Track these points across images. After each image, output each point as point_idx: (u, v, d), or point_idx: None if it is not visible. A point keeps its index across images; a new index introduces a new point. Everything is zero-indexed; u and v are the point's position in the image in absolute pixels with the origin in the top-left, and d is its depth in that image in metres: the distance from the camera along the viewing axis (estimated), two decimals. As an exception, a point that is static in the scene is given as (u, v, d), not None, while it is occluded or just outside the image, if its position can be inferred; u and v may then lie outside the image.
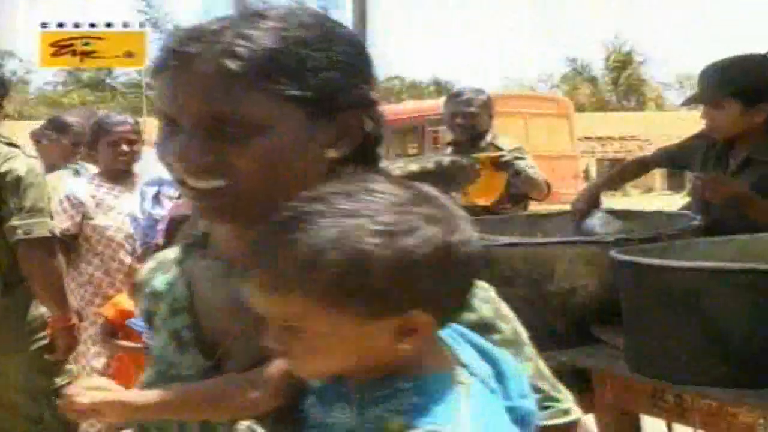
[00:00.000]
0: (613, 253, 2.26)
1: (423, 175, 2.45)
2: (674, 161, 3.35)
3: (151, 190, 3.44)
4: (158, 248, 3.22)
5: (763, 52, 3.06)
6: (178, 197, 3.11)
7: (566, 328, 2.56)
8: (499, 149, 4.40)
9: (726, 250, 2.36)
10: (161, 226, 3.14)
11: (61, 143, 4.81)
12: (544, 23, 75.47)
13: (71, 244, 3.94)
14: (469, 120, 4.52)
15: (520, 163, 4.33)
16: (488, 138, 4.54)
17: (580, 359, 2.42)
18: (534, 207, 4.59)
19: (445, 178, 2.55)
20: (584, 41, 72.48)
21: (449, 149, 4.72)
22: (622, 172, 3.64)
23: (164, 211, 3.27)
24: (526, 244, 2.71)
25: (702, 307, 2.02)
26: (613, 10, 66.16)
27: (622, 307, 2.26)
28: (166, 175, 2.92)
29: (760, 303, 1.96)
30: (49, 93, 41.06)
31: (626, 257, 2.21)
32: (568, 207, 3.32)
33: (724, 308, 2.00)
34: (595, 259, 2.57)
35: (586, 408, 2.46)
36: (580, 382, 2.43)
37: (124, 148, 4.05)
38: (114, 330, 3.47)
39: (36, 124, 5.49)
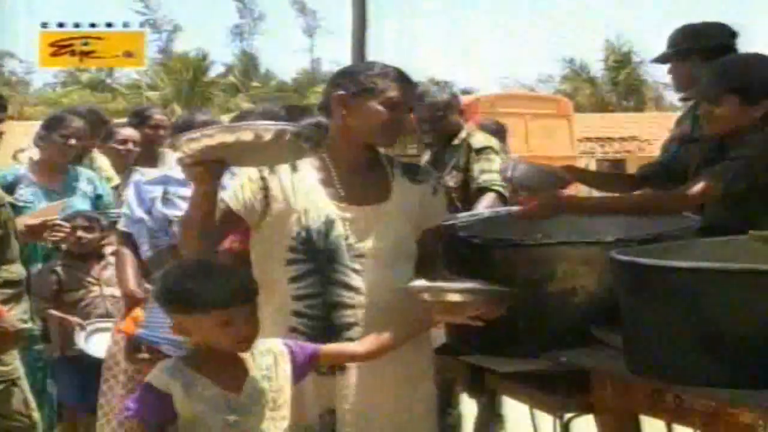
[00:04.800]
0: (613, 253, 2.26)
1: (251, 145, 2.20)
2: (669, 175, 3.27)
3: (157, 189, 3.26)
4: (172, 250, 3.08)
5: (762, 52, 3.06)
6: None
7: (566, 328, 2.56)
8: (471, 148, 4.38)
9: (726, 250, 2.36)
10: (176, 228, 2.99)
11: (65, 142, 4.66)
12: (543, 23, 75.52)
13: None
14: (433, 124, 4.48)
15: (475, 168, 4.33)
16: (462, 135, 4.47)
17: (580, 359, 2.42)
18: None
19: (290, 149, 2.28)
20: (583, 41, 72.35)
21: (427, 151, 4.68)
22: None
23: (178, 211, 3.07)
24: (526, 245, 2.71)
25: (702, 307, 2.02)
26: (611, 10, 66.07)
27: (622, 307, 2.25)
28: (171, 173, 2.91)
29: (760, 303, 1.96)
30: (49, 93, 40.96)
31: (626, 257, 2.21)
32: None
33: (724, 308, 2.00)
34: (595, 259, 2.57)
35: (586, 408, 2.46)
36: (579, 382, 2.44)
37: None
38: (138, 345, 3.41)
39: (36, 125, 5.40)
